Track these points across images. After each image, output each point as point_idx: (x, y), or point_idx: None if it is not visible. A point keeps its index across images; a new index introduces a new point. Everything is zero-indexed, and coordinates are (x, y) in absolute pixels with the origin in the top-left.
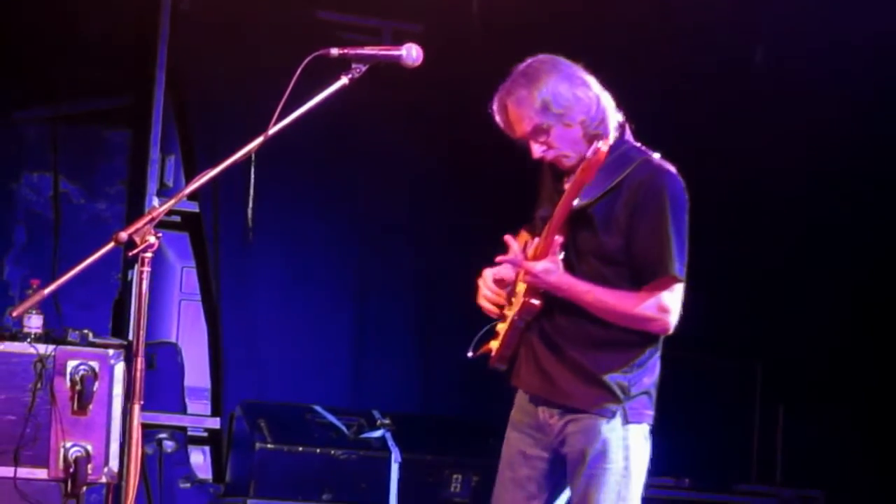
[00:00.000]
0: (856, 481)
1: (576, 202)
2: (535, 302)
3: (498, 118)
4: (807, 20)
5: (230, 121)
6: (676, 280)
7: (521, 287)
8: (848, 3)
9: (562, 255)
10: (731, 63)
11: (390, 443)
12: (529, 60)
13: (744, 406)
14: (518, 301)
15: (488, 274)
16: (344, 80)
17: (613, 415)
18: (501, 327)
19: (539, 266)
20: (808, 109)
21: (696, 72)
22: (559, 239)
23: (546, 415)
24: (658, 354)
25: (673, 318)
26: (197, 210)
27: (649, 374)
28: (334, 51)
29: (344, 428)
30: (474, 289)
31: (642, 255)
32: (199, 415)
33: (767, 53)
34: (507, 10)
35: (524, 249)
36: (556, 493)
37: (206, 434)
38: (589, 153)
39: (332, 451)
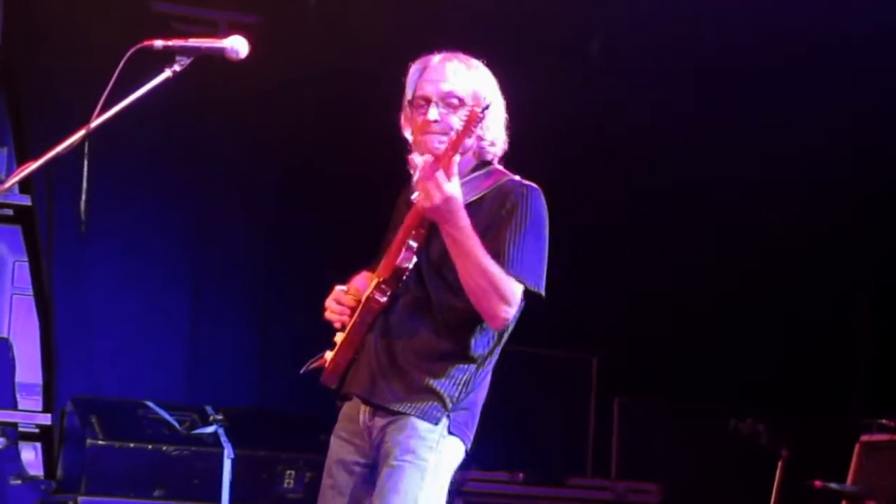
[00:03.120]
0: (690, 475)
1: None
2: (381, 299)
3: (420, 72)
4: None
5: (64, 113)
6: (524, 283)
7: (365, 295)
8: None
9: (413, 262)
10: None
11: (223, 438)
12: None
13: (579, 399)
14: (363, 300)
15: (338, 288)
16: (168, 73)
17: (437, 421)
18: (339, 337)
19: (446, 183)
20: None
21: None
22: (457, 159)
23: (367, 417)
24: (488, 377)
25: (513, 314)
26: (30, 203)
27: (477, 393)
28: (158, 42)
29: (176, 424)
30: (308, 286)
31: (497, 253)
32: (31, 410)
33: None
34: (345, 3)
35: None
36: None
37: (37, 430)
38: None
39: (165, 447)
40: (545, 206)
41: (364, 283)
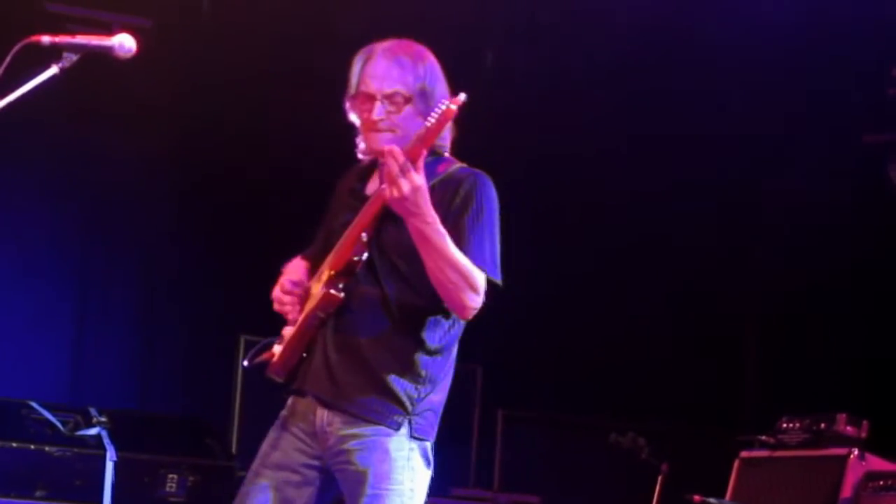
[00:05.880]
0: (571, 487)
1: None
2: (336, 294)
3: (362, 64)
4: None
5: None
6: (487, 275)
7: (316, 288)
8: None
9: (365, 255)
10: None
11: (106, 441)
12: (422, 46)
13: (463, 410)
14: (317, 295)
15: (286, 279)
16: (55, 69)
17: (399, 427)
18: (288, 331)
19: (417, 178)
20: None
21: None
22: (421, 163)
23: (325, 421)
24: (450, 371)
25: (481, 303)
26: None
27: (438, 393)
28: (45, 38)
29: (59, 424)
30: (194, 288)
31: (458, 245)
32: None
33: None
34: (237, 8)
35: (308, 278)
36: None
37: None
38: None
39: (47, 448)
40: (496, 194)
41: (301, 271)
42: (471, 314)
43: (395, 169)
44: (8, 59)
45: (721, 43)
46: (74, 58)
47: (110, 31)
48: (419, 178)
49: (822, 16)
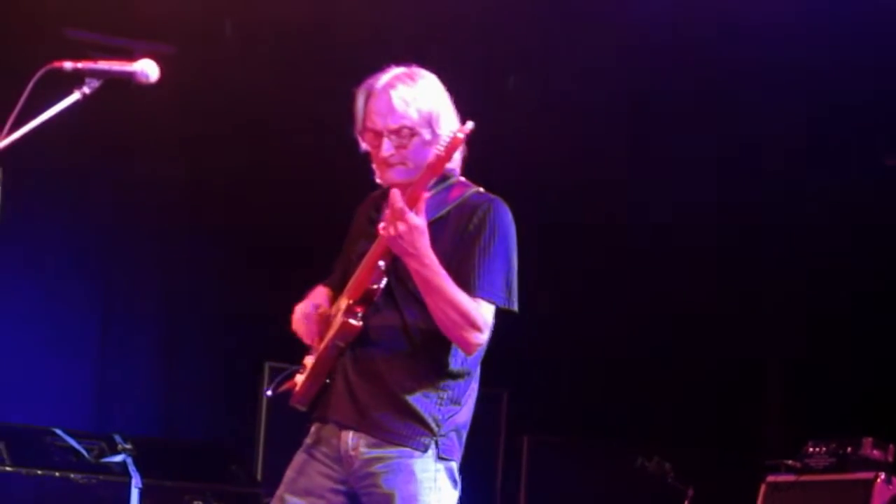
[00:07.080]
0: None
1: None
2: (355, 323)
3: (365, 100)
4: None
5: None
6: (495, 304)
7: (337, 318)
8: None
9: (384, 283)
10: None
11: (131, 468)
12: (422, 69)
13: (488, 435)
14: (336, 323)
15: (307, 303)
16: (77, 95)
17: (426, 448)
18: (309, 360)
19: (415, 219)
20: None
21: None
22: (427, 195)
23: (350, 444)
24: (474, 392)
25: (486, 338)
26: None
27: (463, 413)
28: (68, 64)
29: (85, 452)
30: (218, 314)
31: (466, 275)
32: None
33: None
34: (261, 35)
35: (330, 305)
36: None
37: None
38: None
39: (72, 475)
40: (511, 219)
41: (322, 297)
42: (474, 350)
43: (390, 212)
44: (30, 85)
45: (742, 69)
46: (97, 84)
47: (132, 58)
48: (416, 219)
49: (847, 37)
